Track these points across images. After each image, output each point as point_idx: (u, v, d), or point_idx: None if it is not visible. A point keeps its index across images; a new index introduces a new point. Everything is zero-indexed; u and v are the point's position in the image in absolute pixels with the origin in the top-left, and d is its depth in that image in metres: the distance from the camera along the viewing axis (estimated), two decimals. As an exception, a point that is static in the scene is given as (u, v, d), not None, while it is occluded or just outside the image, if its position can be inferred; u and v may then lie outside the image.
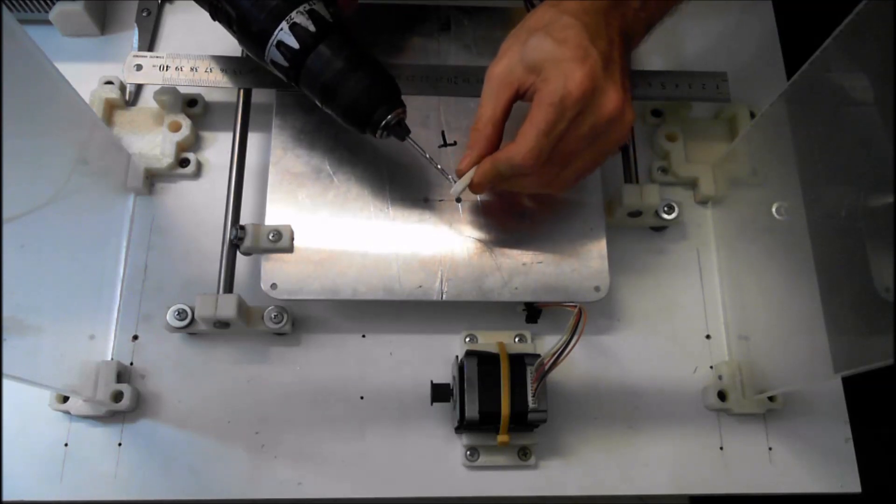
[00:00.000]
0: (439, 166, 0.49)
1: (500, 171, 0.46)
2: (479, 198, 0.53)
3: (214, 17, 0.50)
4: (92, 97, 0.56)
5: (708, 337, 0.56)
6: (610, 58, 0.44)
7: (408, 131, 0.48)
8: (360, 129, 0.48)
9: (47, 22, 0.60)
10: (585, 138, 0.44)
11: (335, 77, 0.46)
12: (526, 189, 0.49)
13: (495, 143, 0.46)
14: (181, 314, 0.50)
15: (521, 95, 0.45)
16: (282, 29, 0.46)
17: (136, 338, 0.53)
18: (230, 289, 0.50)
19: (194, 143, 0.58)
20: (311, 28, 0.46)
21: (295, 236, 0.50)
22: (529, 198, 0.53)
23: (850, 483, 0.52)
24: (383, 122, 0.47)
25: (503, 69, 0.45)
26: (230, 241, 0.50)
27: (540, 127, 0.43)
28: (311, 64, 0.46)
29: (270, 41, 0.46)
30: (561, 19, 0.44)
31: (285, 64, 0.47)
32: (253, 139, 0.55)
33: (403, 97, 0.48)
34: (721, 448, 0.53)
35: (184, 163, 0.57)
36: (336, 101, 0.47)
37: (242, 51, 0.56)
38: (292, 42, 0.46)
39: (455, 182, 0.48)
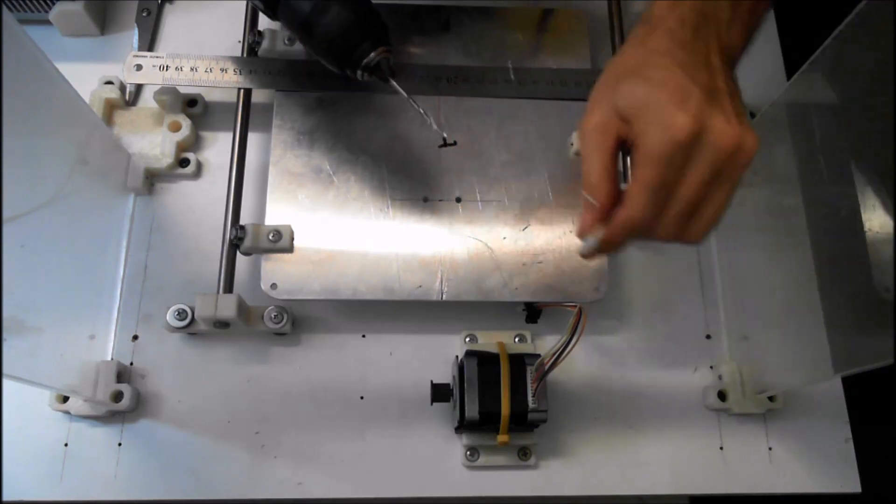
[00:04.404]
0: (422, 110, 0.46)
1: (620, 238, 0.42)
2: (479, 198, 0.53)
3: None
4: (92, 97, 0.56)
5: (708, 337, 0.56)
6: (714, 88, 0.39)
7: (392, 73, 0.45)
8: (340, 67, 0.45)
9: (47, 22, 0.60)
10: (707, 182, 0.39)
11: (315, 8, 0.43)
12: (661, 240, 0.43)
13: (613, 196, 0.41)
14: (181, 314, 0.50)
15: (623, 144, 0.41)
16: None
17: (136, 338, 0.53)
18: (230, 289, 0.49)
19: (194, 143, 0.58)
20: None
21: (295, 236, 0.50)
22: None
23: (850, 483, 0.52)
24: (364, 61, 0.44)
25: (597, 121, 0.41)
26: (230, 241, 0.50)
27: (647, 184, 0.39)
28: None
29: None
30: (652, 59, 0.40)
31: None
32: (253, 139, 0.55)
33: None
34: (721, 448, 0.53)
35: (184, 163, 0.57)
36: (315, 36, 0.44)
37: (242, 51, 0.56)
38: None
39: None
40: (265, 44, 0.56)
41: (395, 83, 0.46)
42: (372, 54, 0.44)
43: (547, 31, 0.59)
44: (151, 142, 0.57)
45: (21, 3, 0.59)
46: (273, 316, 0.51)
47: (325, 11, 0.43)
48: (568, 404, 0.53)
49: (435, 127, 0.46)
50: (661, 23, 0.41)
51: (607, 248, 0.43)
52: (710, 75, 0.40)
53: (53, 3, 0.58)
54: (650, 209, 0.40)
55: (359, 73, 0.45)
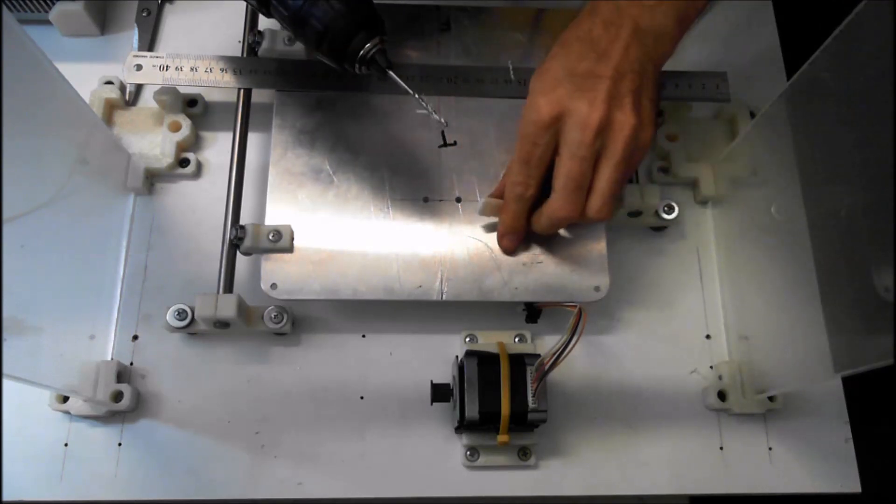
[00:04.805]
0: (423, 101, 0.47)
1: (512, 209, 0.48)
2: (479, 198, 0.53)
3: None
4: (92, 97, 0.56)
5: (708, 337, 0.56)
6: (594, 75, 0.44)
7: (390, 64, 0.45)
8: (338, 62, 0.45)
9: (47, 22, 0.60)
10: (583, 158, 0.44)
11: (307, 0, 0.43)
12: (566, 220, 0.47)
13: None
14: (181, 314, 0.50)
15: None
16: None
17: (136, 338, 0.53)
18: (230, 289, 0.50)
19: (194, 143, 0.58)
20: None
21: (295, 236, 0.50)
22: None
23: (850, 483, 0.52)
24: (361, 53, 0.44)
25: (529, 117, 0.46)
26: (230, 241, 0.50)
27: (517, 158, 0.46)
28: None
29: None
30: (554, 51, 0.46)
31: None
32: (253, 139, 0.55)
33: (403, 96, 0.47)
34: (721, 448, 0.53)
35: (184, 163, 0.57)
36: (308, 30, 0.44)
37: (242, 51, 0.56)
38: None
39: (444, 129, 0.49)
40: (265, 44, 0.56)
41: (393, 74, 0.45)
42: (367, 45, 0.44)
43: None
44: (151, 142, 0.57)
45: (21, 3, 0.59)
46: (273, 316, 0.51)
47: (317, 3, 0.43)
48: (568, 404, 0.53)
49: (435, 115, 0.47)
50: (580, 16, 0.46)
51: (504, 218, 0.49)
52: (595, 63, 0.44)
53: (53, 3, 0.58)
54: (523, 179, 0.46)
55: (356, 65, 0.45)
